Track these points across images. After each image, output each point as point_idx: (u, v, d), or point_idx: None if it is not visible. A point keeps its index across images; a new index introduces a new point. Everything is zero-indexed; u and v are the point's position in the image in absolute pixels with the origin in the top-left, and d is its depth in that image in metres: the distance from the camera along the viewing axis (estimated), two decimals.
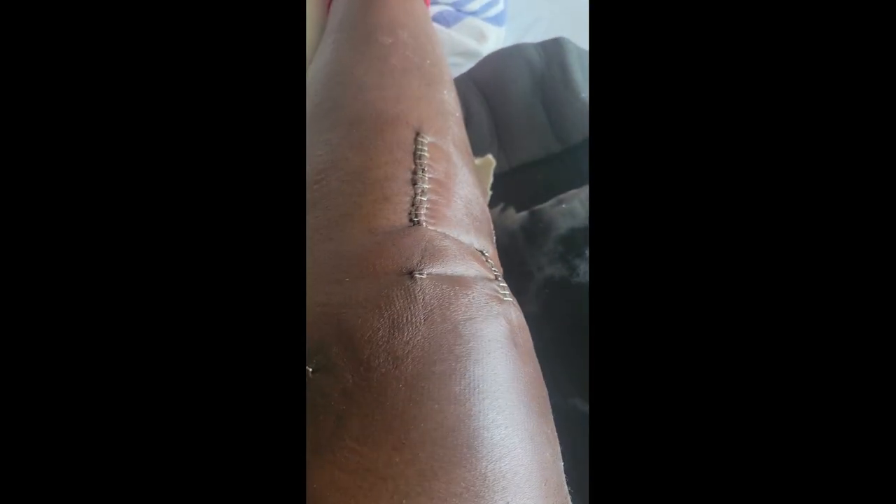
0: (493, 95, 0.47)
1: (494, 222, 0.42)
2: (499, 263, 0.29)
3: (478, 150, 0.45)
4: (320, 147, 0.28)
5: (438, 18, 0.53)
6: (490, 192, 0.42)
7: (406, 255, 0.23)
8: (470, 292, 0.23)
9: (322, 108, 0.31)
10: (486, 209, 0.31)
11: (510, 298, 0.25)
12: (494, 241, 0.31)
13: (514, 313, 0.24)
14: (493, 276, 0.25)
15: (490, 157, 0.43)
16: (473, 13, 0.55)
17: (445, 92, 0.33)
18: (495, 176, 0.44)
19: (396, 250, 0.23)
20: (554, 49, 0.48)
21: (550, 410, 0.24)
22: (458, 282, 0.23)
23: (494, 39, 0.55)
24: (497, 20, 0.56)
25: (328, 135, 0.29)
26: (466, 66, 0.54)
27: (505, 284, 0.26)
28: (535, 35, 0.59)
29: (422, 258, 0.23)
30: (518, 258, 0.40)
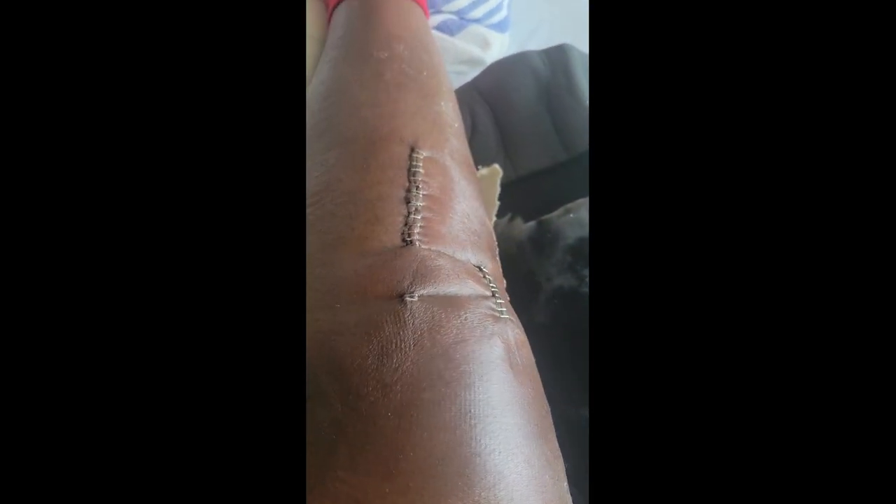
0: (498, 104, 0.47)
1: (502, 232, 0.42)
2: (500, 277, 0.28)
3: (484, 159, 0.45)
4: (316, 168, 0.28)
5: (442, 27, 0.53)
6: (498, 203, 0.42)
7: (397, 277, 0.23)
8: (463, 313, 0.22)
9: (318, 128, 0.31)
10: (487, 221, 0.31)
11: (508, 315, 0.25)
12: (497, 254, 0.30)
13: (512, 331, 0.24)
14: (489, 294, 0.25)
15: (497, 166, 0.43)
16: (477, 20, 0.55)
17: (443, 103, 0.33)
18: (502, 185, 0.44)
19: (387, 273, 0.23)
20: (558, 56, 0.48)
21: (552, 430, 0.23)
22: (450, 302, 0.23)
23: (498, 46, 0.55)
24: (500, 27, 0.56)
25: (324, 155, 0.29)
26: (471, 74, 0.54)
27: (504, 301, 0.25)
28: (539, 39, 0.59)
29: (413, 280, 0.23)
30: (526, 268, 0.40)
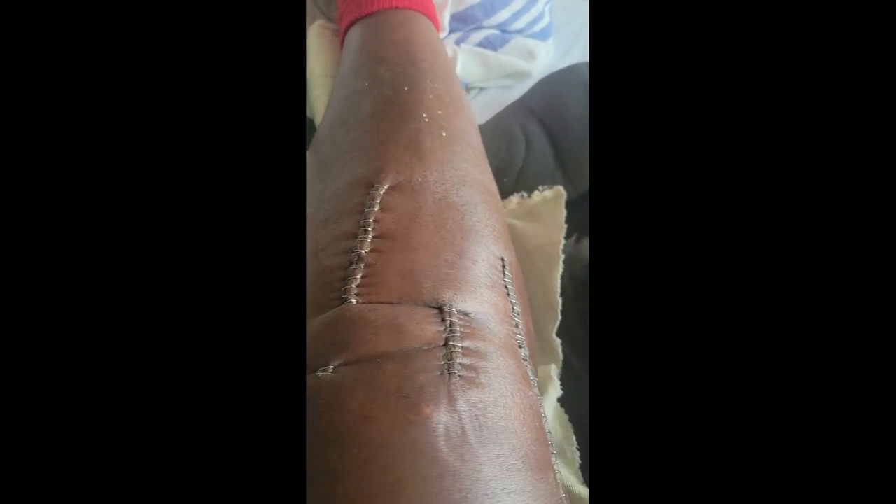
0: (551, 122, 0.46)
1: (570, 254, 0.42)
2: (495, 312, 0.24)
3: (542, 179, 0.45)
4: None
5: (485, 44, 0.52)
6: (565, 226, 0.41)
7: (318, 349, 0.20)
8: (380, 380, 0.19)
9: (306, 182, 0.30)
10: (487, 241, 0.26)
11: (463, 370, 0.20)
12: (503, 278, 0.26)
13: (465, 392, 0.20)
14: (442, 342, 0.21)
15: (560, 188, 0.43)
16: (520, 31, 0.54)
17: (425, 115, 0.30)
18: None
19: (313, 345, 0.20)
20: None
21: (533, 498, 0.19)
22: (369, 369, 0.19)
23: (543, 56, 0.54)
24: (543, 34, 0.55)
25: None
26: (517, 87, 0.54)
27: (468, 345, 0.21)
28: (584, 44, 0.57)
29: (329, 349, 0.20)
30: None
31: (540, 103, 0.47)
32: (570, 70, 0.47)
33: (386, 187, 0.26)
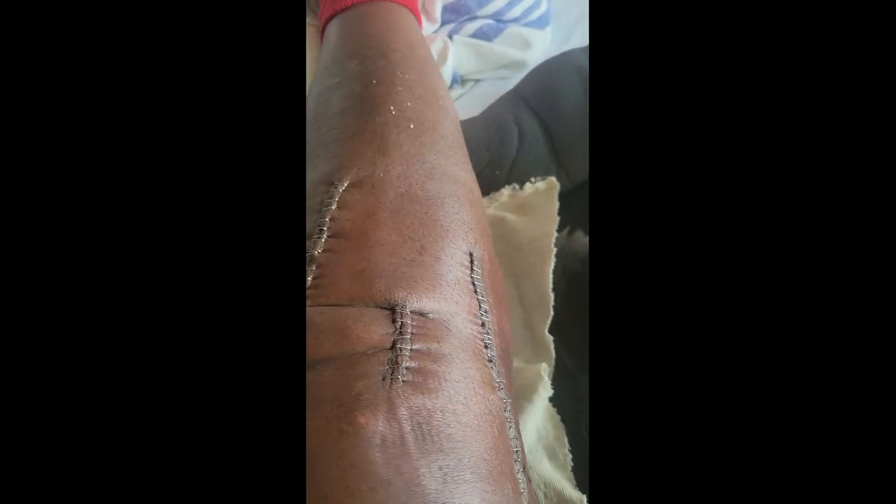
0: (545, 110, 0.44)
1: (562, 248, 0.40)
2: (459, 307, 0.23)
3: (536, 170, 0.43)
4: None
5: (479, 34, 0.51)
6: (558, 218, 0.40)
7: None
8: (313, 390, 0.18)
9: None
10: (444, 237, 0.25)
11: (409, 375, 0.19)
12: (468, 274, 0.25)
13: (409, 399, 0.19)
14: (388, 345, 0.20)
15: (553, 179, 0.41)
16: (515, 20, 0.52)
17: (392, 108, 0.29)
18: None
19: None
20: None
21: None
22: (308, 376, 0.19)
23: (540, 44, 0.52)
24: (540, 23, 0.53)
25: None
26: (513, 77, 0.52)
27: (420, 347, 0.21)
28: (584, 32, 0.56)
29: None
30: None
31: (533, 92, 0.45)
32: (564, 56, 0.45)
33: (346, 184, 0.25)
